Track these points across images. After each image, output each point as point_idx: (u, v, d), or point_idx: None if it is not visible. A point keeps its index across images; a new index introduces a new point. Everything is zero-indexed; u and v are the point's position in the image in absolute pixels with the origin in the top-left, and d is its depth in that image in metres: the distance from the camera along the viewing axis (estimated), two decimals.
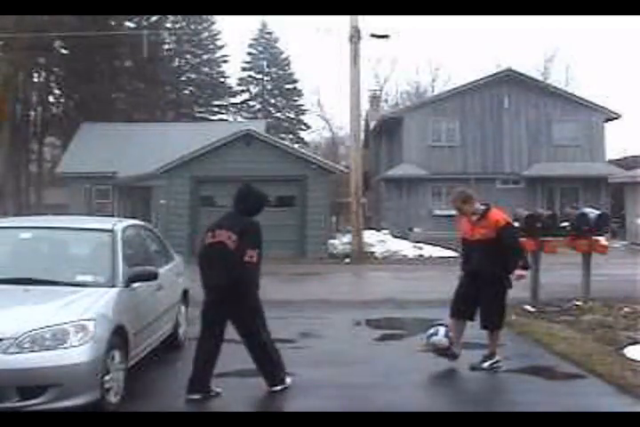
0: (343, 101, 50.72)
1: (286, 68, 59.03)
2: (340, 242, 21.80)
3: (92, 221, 8.69)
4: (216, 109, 56.69)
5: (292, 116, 60.42)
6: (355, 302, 11.92)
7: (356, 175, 21.13)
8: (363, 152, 24.79)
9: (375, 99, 41.22)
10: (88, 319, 5.20)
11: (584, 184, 28.90)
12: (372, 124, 35.13)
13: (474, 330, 7.13)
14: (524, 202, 24.67)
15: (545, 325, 9.21)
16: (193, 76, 54.58)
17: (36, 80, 41.28)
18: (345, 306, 11.38)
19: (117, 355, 5.47)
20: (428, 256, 21.05)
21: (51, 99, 42.92)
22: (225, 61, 55.77)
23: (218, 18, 53.11)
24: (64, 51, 39.78)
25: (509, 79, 29.70)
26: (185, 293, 8.15)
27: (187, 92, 54.31)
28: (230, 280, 5.78)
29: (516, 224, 8.94)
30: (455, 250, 18.23)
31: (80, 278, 5.99)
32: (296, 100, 59.54)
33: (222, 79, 56.46)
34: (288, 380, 6.13)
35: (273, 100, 60.08)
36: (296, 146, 39.58)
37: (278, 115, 59.18)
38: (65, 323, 5.08)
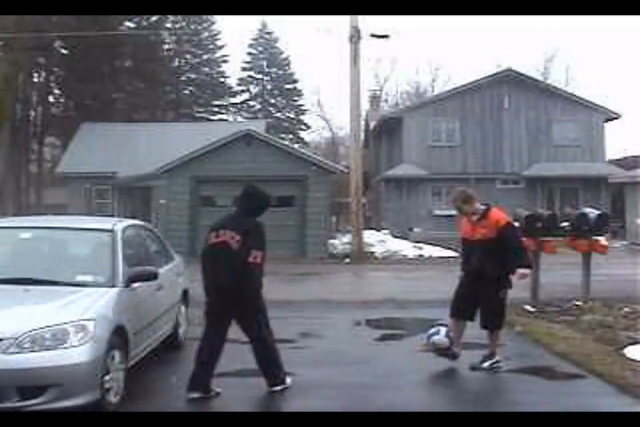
0: (343, 101, 50.83)
1: (286, 68, 59.02)
2: (340, 242, 21.80)
3: (92, 221, 8.70)
4: (216, 109, 56.67)
5: (292, 116, 60.42)
6: (355, 302, 11.92)
7: (356, 175, 21.12)
8: (363, 152, 24.79)
9: (375, 99, 41.21)
10: (88, 319, 5.20)
11: (584, 184, 28.90)
12: (372, 124, 35.12)
13: (474, 330, 7.13)
14: (523, 202, 24.69)
15: (545, 325, 9.21)
16: (193, 76, 54.55)
17: (36, 80, 41.27)
18: (345, 306, 11.38)
19: (117, 355, 5.47)
20: (428, 256, 21.04)
21: (51, 99, 42.93)
22: (225, 61, 55.76)
23: (218, 18, 53.17)
24: (64, 51, 39.79)
25: (509, 79, 29.70)
26: (185, 293, 8.16)
27: (187, 92, 54.29)
28: (233, 281, 5.78)
29: (516, 224, 8.94)
30: (455, 250, 18.23)
31: (80, 278, 5.99)
32: (296, 100, 59.54)
33: (222, 79, 56.43)
34: (288, 380, 6.13)
35: (273, 100, 60.08)
36: (296, 146, 39.58)
37: (278, 115, 59.16)
38: (65, 323, 5.08)
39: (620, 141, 71.17)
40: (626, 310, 10.10)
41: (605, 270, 13.34)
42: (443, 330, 7.02)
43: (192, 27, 52.31)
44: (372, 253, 21.11)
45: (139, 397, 5.82)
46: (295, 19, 60.13)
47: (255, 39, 58.72)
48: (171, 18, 48.04)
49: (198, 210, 21.05)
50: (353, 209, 21.10)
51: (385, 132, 33.80)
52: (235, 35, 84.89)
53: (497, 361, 6.94)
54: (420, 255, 21.28)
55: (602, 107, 30.00)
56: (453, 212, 7.68)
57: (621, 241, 24.25)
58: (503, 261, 6.82)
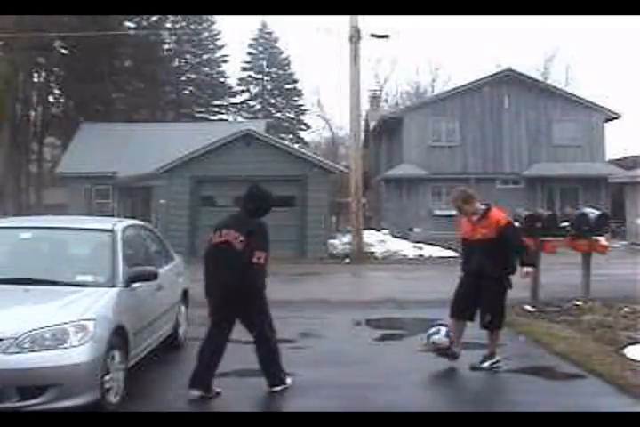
0: (343, 101, 50.87)
1: (286, 68, 59.05)
2: (340, 242, 21.80)
3: (91, 221, 8.69)
4: (216, 109, 56.68)
5: (292, 116, 60.44)
6: (355, 302, 11.92)
7: (356, 175, 21.13)
8: (363, 152, 24.79)
9: (375, 99, 41.21)
10: (88, 319, 5.20)
11: (584, 184, 28.91)
12: (372, 124, 35.13)
13: (474, 330, 7.12)
14: (523, 202, 24.70)
15: (545, 325, 9.21)
16: (193, 76, 54.57)
17: (36, 80, 41.30)
18: (345, 306, 11.38)
19: (117, 355, 5.47)
20: (428, 256, 21.04)
21: (51, 99, 42.96)
22: (225, 61, 55.79)
23: (218, 18, 53.23)
24: (64, 51, 39.83)
25: (509, 79, 29.72)
26: (185, 293, 8.15)
27: (187, 92, 54.31)
28: (236, 281, 5.79)
29: (516, 224, 8.94)
30: (455, 250, 18.23)
31: (80, 278, 5.99)
32: (296, 100, 59.56)
33: (222, 79, 56.45)
34: (288, 380, 6.14)
35: (273, 100, 60.09)
36: (296, 146, 39.59)
37: (278, 115, 59.18)
38: (65, 323, 5.08)
39: (620, 141, 71.33)
40: (626, 310, 10.09)
41: (605, 270, 13.33)
42: (443, 330, 7.01)
43: (192, 27, 52.33)
44: (372, 253, 21.11)
45: (139, 397, 5.81)
46: (295, 19, 60.25)
47: (255, 39, 58.76)
48: (171, 18, 48.08)
49: (198, 210, 21.05)
50: (353, 209, 21.10)
51: (385, 132, 33.81)
52: (235, 35, 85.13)
53: (497, 361, 6.94)
54: (420, 255, 21.28)
55: (602, 107, 30.01)
56: (453, 212, 7.68)
57: (621, 241, 24.25)
58: (503, 261, 6.82)
